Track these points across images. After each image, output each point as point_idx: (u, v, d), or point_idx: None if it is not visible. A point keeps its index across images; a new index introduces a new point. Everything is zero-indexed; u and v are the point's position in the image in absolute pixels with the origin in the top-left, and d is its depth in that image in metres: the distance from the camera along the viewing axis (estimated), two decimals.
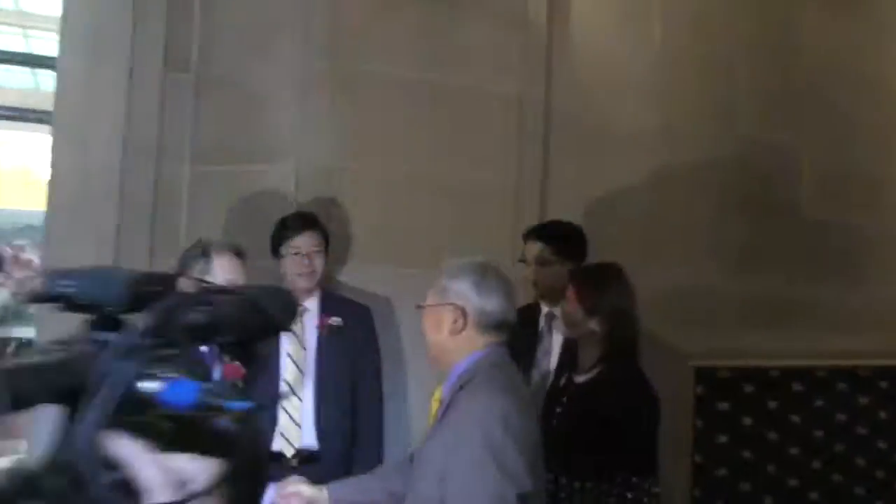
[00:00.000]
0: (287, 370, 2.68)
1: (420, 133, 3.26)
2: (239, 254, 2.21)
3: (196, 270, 2.11)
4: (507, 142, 3.38)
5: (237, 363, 2.27)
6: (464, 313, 1.82)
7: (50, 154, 3.02)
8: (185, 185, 3.24)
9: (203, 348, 0.85)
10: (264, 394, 2.62)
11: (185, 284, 0.86)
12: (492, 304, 1.83)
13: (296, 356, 2.69)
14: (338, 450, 2.66)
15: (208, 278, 2.08)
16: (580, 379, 2.36)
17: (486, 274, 1.86)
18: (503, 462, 1.63)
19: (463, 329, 1.82)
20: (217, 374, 1.99)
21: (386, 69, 3.19)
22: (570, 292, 2.39)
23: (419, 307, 1.92)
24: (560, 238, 2.80)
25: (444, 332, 1.83)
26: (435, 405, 2.23)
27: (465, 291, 1.83)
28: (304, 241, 2.72)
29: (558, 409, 2.39)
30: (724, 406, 3.77)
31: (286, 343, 2.69)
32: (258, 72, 3.20)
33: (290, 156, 3.14)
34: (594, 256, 2.89)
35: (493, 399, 1.72)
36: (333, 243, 3.01)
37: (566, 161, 3.46)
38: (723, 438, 3.75)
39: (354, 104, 3.18)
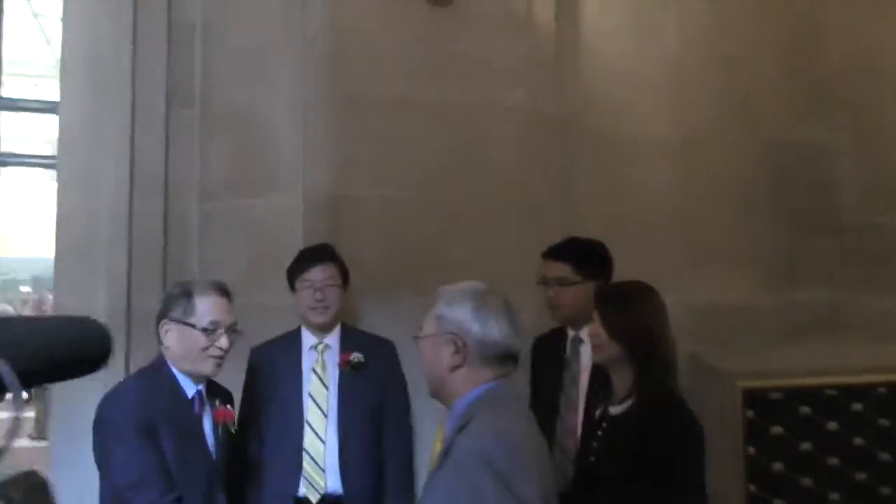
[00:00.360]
0: (310, 411, 2.56)
1: (429, 152, 3.15)
2: (223, 292, 2.12)
3: (178, 312, 2.05)
4: (520, 156, 3.25)
5: (229, 407, 2.18)
6: (463, 344, 1.65)
7: (56, 197, 3.01)
8: (194, 221, 3.20)
9: None
10: (284, 436, 2.54)
11: None
12: (493, 333, 1.66)
13: (317, 396, 2.58)
14: (364, 493, 2.53)
15: (192, 320, 2.03)
16: (615, 410, 2.11)
17: (485, 300, 1.69)
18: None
19: (463, 362, 1.65)
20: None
21: (389, 89, 3.10)
22: (595, 314, 2.17)
23: (416, 338, 1.76)
24: (580, 256, 2.62)
25: (443, 365, 1.67)
26: (438, 446, 2.10)
27: (462, 320, 1.67)
28: (316, 274, 2.61)
29: (595, 445, 2.13)
30: (777, 430, 3.50)
31: (307, 383, 2.59)
32: (260, 100, 3.18)
33: (296, 185, 3.07)
34: (620, 274, 2.71)
35: (503, 436, 1.55)
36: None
37: (584, 173, 3.32)
38: (778, 466, 3.47)
39: (358, 128, 3.10)
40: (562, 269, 2.58)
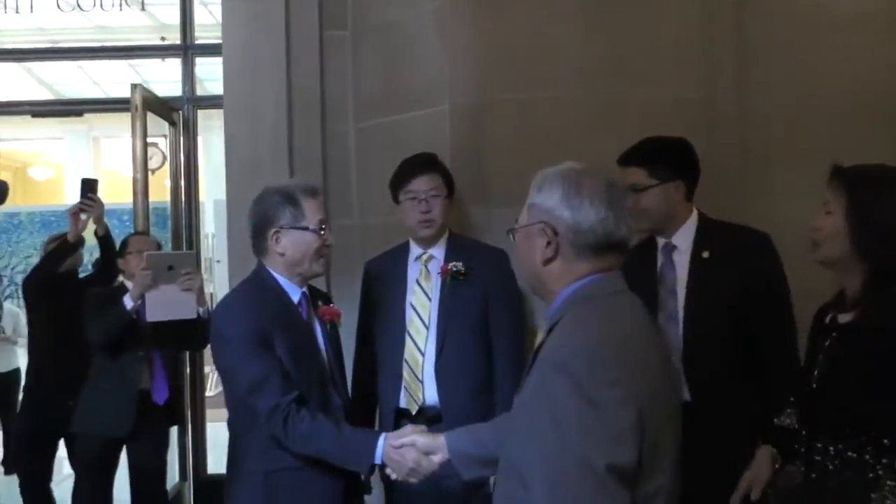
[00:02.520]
0: (411, 322, 2.52)
1: (580, 51, 2.96)
2: (319, 193, 2.18)
3: (287, 218, 2.08)
4: (684, 50, 2.98)
5: (332, 305, 2.22)
6: (555, 233, 1.45)
7: (224, 124, 3.23)
8: (351, 139, 3.33)
9: None
10: (389, 347, 2.54)
11: None
12: (587, 219, 1.43)
13: (419, 307, 2.54)
14: (461, 406, 2.44)
15: (304, 223, 2.08)
16: (845, 318, 1.77)
17: (579, 181, 1.46)
18: (587, 421, 1.27)
19: (556, 254, 1.45)
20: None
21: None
22: (832, 200, 1.75)
23: (510, 231, 1.58)
24: (652, 157, 2.34)
25: (536, 259, 1.48)
26: None
27: (552, 206, 1.45)
28: (419, 185, 2.53)
29: (821, 357, 1.80)
30: None
31: (411, 294, 2.55)
32: (407, 17, 3.17)
33: (443, 98, 3.06)
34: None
35: (584, 339, 1.36)
36: (485, 184, 2.90)
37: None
38: None
39: (502, 36, 2.98)
40: (635, 175, 2.32)
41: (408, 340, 2.51)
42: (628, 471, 1.29)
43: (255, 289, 2.14)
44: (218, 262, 7.80)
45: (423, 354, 2.49)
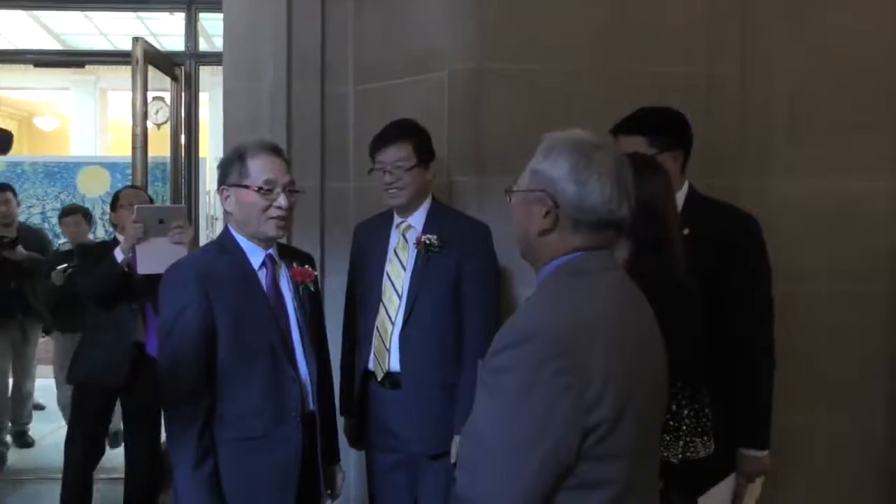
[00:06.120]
0: (385, 291, 2.52)
1: (583, 22, 2.93)
2: (276, 151, 2.09)
3: (234, 176, 2.03)
4: (691, 20, 2.95)
5: (307, 267, 2.19)
6: (555, 205, 1.40)
7: (222, 83, 3.22)
8: (350, 102, 3.31)
9: None
10: (366, 312, 2.55)
11: None
12: (591, 196, 1.38)
13: (394, 276, 2.52)
14: (421, 375, 2.45)
15: (247, 182, 2.02)
16: None
17: (590, 155, 1.40)
18: (524, 400, 1.26)
19: (554, 226, 1.41)
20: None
21: None
22: None
23: (507, 192, 1.54)
24: (653, 126, 2.30)
25: (532, 227, 1.45)
26: None
27: (557, 177, 1.40)
28: (386, 156, 2.49)
29: None
30: None
31: (388, 264, 2.54)
32: None
33: (442, 64, 3.04)
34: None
35: (549, 318, 1.32)
36: (481, 151, 2.89)
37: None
38: None
39: (504, 3, 2.95)
40: (634, 143, 2.25)
41: (381, 308, 2.51)
42: (551, 462, 1.28)
43: (211, 251, 2.10)
44: (216, 219, 7.81)
45: (392, 323, 2.49)
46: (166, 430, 2.11)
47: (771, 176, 3.05)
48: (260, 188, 2.01)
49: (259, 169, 2.02)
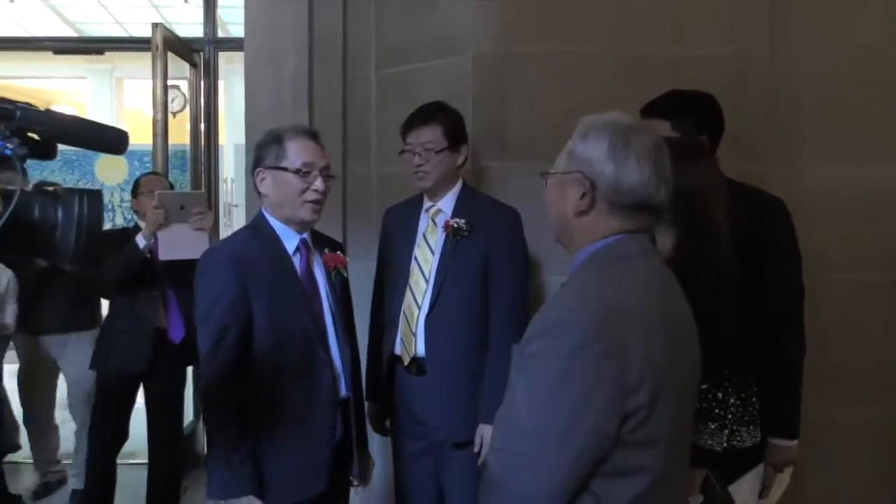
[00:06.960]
0: (413, 275, 2.50)
1: (607, 4, 2.90)
2: (314, 136, 2.09)
3: (271, 158, 2.03)
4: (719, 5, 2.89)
5: (339, 253, 2.18)
6: (592, 186, 1.39)
7: (244, 69, 3.21)
8: (372, 87, 3.29)
9: None
10: (393, 296, 2.53)
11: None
12: (630, 177, 1.37)
13: (422, 260, 2.50)
14: (448, 361, 2.42)
15: (284, 164, 2.01)
16: None
17: (627, 136, 1.38)
18: (561, 386, 1.25)
19: (590, 208, 1.39)
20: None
21: None
22: None
23: (543, 174, 1.52)
24: (680, 110, 2.23)
25: (568, 209, 1.42)
26: None
27: (595, 158, 1.38)
28: (413, 138, 2.48)
29: None
30: None
31: (417, 248, 2.52)
32: None
33: (466, 48, 3.01)
34: None
35: (584, 305, 1.30)
36: (506, 136, 2.85)
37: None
38: None
39: None
40: (658, 127, 2.16)
41: (408, 292, 2.50)
42: (589, 449, 1.27)
43: (245, 235, 2.09)
44: (236, 206, 7.81)
45: (419, 307, 2.47)
46: (203, 415, 2.10)
47: (799, 163, 3.00)
48: (298, 170, 2.01)
49: (297, 151, 2.02)
